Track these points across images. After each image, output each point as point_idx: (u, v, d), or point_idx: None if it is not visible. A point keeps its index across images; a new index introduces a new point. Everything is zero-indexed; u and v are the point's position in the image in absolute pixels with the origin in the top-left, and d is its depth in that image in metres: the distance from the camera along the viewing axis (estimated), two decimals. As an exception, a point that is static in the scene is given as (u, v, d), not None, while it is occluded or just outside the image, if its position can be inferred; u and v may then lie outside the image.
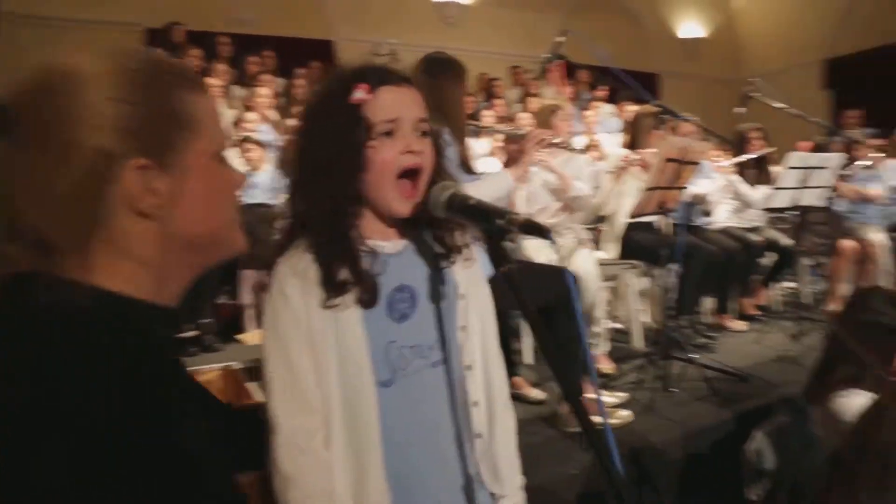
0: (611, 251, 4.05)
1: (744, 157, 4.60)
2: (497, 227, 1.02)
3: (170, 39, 5.98)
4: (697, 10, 11.16)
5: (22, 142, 0.59)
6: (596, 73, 4.02)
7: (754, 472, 2.30)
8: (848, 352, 2.19)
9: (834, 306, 4.41)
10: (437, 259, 1.22)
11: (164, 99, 0.65)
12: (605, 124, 7.36)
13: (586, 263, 3.34)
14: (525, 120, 5.09)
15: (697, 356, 3.10)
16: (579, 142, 5.30)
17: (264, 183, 4.38)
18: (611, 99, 8.05)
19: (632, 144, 4.10)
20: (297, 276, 1.10)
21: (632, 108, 7.06)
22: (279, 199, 4.39)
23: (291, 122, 5.39)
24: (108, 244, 0.62)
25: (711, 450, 2.59)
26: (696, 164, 3.14)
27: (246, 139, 4.45)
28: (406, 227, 1.19)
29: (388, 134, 1.10)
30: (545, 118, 3.62)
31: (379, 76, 1.11)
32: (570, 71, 7.75)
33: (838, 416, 2.12)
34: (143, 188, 0.63)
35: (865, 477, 1.40)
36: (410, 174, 1.12)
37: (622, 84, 3.60)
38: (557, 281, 2.57)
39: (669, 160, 2.91)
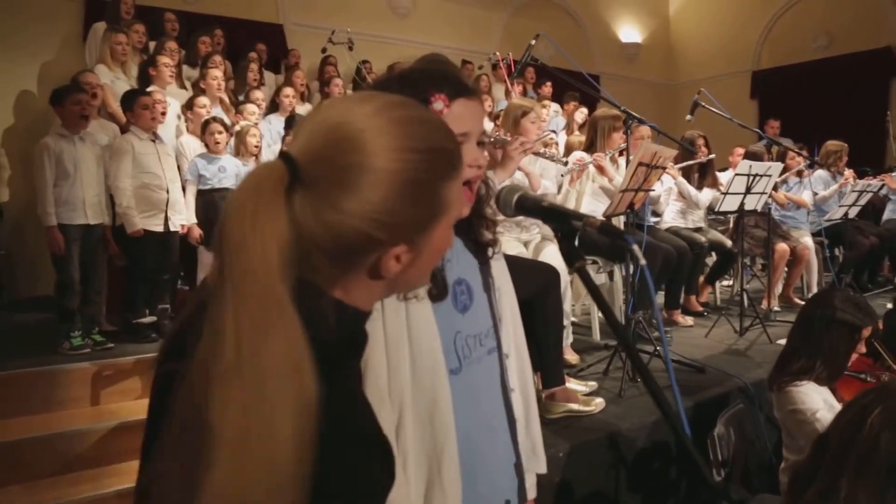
0: (566, 247, 4.21)
1: (691, 162, 4.86)
2: (572, 227, 1.12)
3: (116, 12, 5.73)
4: (636, 16, 11.57)
5: (306, 201, 0.64)
6: (558, 75, 4.13)
7: (718, 456, 2.49)
8: (804, 345, 2.41)
9: (771, 304, 4.75)
10: (477, 253, 1.31)
11: (432, 195, 0.70)
12: (551, 123, 7.53)
13: (555, 258, 3.48)
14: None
15: (659, 349, 3.30)
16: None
17: (230, 168, 4.31)
18: (553, 97, 8.23)
19: (590, 146, 4.27)
20: None
21: (580, 109, 7.34)
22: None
23: (242, 106, 5.30)
24: (343, 289, 0.71)
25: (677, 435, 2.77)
26: (663, 168, 3.32)
27: (213, 120, 4.34)
28: None
29: None
30: (515, 119, 3.66)
31: (455, 87, 1.14)
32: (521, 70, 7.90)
33: (792, 403, 2.34)
34: (391, 261, 0.70)
35: (849, 466, 1.55)
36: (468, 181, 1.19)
37: (591, 87, 3.74)
38: (541, 275, 2.70)
39: (641, 164, 3.08)
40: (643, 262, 1.05)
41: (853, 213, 5.32)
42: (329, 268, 0.69)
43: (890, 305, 3.84)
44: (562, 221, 1.13)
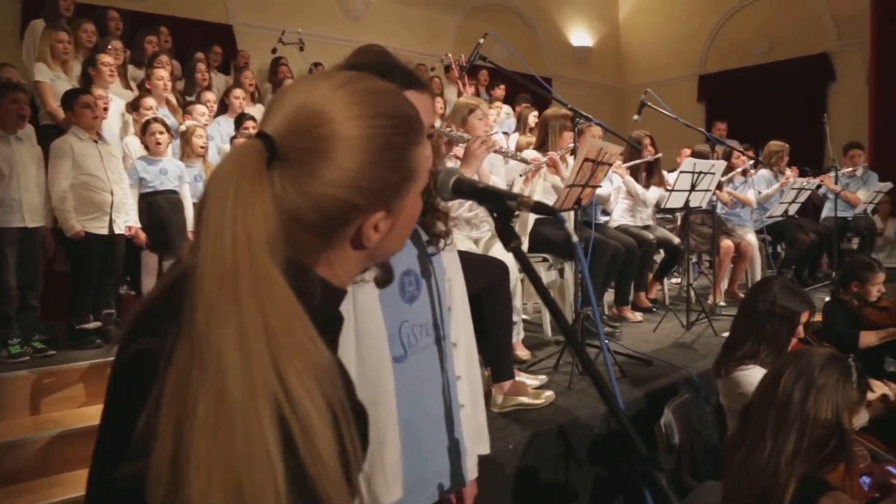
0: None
1: (638, 161, 4.96)
2: (507, 207, 1.12)
3: (55, 9, 5.53)
4: (587, 20, 11.77)
5: (285, 176, 0.66)
6: (508, 74, 4.17)
7: (665, 444, 2.54)
8: (748, 332, 2.49)
9: (717, 299, 4.87)
10: (426, 245, 1.31)
11: (402, 159, 0.73)
12: (503, 124, 7.60)
13: (504, 254, 3.50)
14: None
15: (607, 342, 3.35)
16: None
17: (172, 170, 4.22)
18: (506, 99, 8.32)
19: (541, 145, 4.31)
20: None
21: (530, 111, 7.42)
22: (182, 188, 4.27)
23: (191, 106, 5.19)
24: (328, 264, 0.73)
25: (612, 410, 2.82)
26: (609, 164, 3.38)
27: (154, 120, 4.24)
28: None
29: None
30: (462, 117, 3.67)
31: (405, 80, 1.13)
32: (472, 71, 7.95)
33: (739, 387, 2.41)
34: (371, 229, 0.72)
35: (770, 422, 1.64)
36: None
37: (540, 87, 3.79)
38: (490, 269, 2.72)
39: (587, 160, 3.13)
40: (575, 238, 1.06)
41: (793, 210, 5.50)
42: (313, 243, 0.70)
43: (828, 298, 3.97)
44: (497, 201, 1.14)
